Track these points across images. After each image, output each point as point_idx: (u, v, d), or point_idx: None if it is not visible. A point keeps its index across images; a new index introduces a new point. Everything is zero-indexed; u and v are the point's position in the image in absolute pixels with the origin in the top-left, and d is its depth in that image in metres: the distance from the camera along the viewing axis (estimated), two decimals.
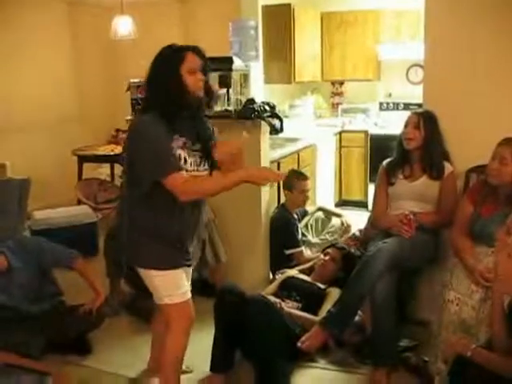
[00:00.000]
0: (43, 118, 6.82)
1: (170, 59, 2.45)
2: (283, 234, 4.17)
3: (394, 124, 6.26)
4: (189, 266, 2.69)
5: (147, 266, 2.55)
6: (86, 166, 6.54)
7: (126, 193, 2.57)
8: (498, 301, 2.41)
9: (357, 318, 3.27)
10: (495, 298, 2.46)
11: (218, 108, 3.94)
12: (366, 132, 6.64)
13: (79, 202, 6.17)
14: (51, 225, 4.96)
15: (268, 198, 4.20)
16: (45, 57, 6.95)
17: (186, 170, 2.42)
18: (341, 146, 6.76)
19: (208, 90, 2.56)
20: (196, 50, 2.48)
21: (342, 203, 6.76)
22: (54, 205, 5.83)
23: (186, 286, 2.65)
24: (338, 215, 4.60)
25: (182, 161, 2.42)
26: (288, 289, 3.55)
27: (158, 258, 2.54)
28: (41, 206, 5.62)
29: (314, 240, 4.44)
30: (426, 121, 3.35)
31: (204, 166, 2.55)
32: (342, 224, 4.45)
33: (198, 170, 2.51)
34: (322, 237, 4.44)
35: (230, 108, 4.03)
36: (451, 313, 2.78)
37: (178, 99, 2.42)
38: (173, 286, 2.56)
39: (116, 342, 3.58)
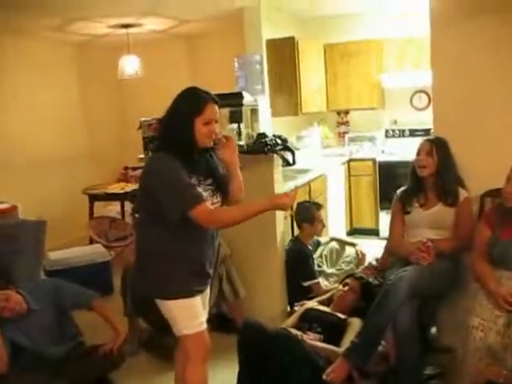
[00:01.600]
0: (53, 157, 6.91)
1: (189, 106, 2.52)
2: (299, 266, 4.18)
3: (400, 151, 6.33)
4: (204, 290, 2.73)
5: (167, 297, 2.58)
6: (96, 204, 6.59)
7: (143, 228, 2.67)
8: None
9: (380, 347, 3.24)
10: None
11: None
12: (373, 160, 6.68)
13: (91, 241, 6.20)
14: (66, 265, 4.98)
15: (283, 230, 4.22)
16: (55, 97, 7.09)
17: None
18: (349, 175, 6.79)
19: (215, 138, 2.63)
20: (216, 101, 2.56)
21: (354, 232, 6.75)
22: (66, 244, 5.86)
23: (203, 315, 2.69)
24: (353, 244, 4.61)
25: None
26: (309, 321, 3.52)
27: (177, 286, 2.58)
28: (52, 245, 5.62)
29: (330, 270, 4.45)
30: (438, 147, 3.37)
31: (217, 198, 2.64)
32: (357, 253, 4.46)
33: (213, 203, 2.59)
34: (338, 267, 4.45)
35: (242, 143, 4.07)
36: (477, 339, 2.76)
37: (187, 145, 2.51)
38: (191, 315, 2.60)
39: (137, 381, 3.56)
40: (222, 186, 2.67)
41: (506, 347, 2.67)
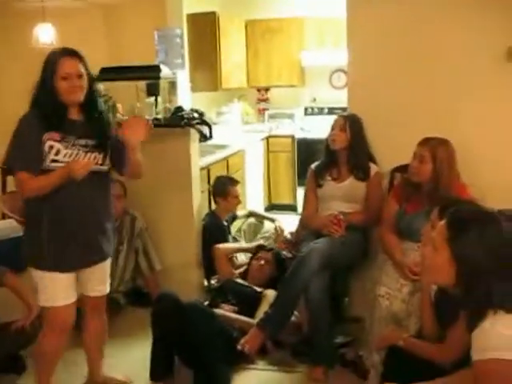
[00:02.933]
0: None
1: (46, 65, 2.58)
2: (216, 241, 4.18)
3: (319, 128, 6.42)
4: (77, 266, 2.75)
5: (30, 264, 2.71)
6: (9, 179, 6.33)
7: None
8: (426, 292, 2.54)
9: (293, 318, 3.34)
10: (424, 289, 2.59)
11: (146, 116, 3.92)
12: (292, 137, 6.77)
13: (3, 216, 5.97)
14: None
15: (199, 203, 4.22)
16: None
17: (56, 161, 2.55)
18: (268, 151, 6.86)
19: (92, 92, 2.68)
20: (73, 54, 2.59)
21: (272, 207, 6.84)
22: None
23: (68, 290, 2.72)
24: (272, 220, 4.65)
25: (54, 151, 2.54)
26: (225, 293, 3.57)
27: (39, 255, 2.64)
28: None
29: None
30: (351, 123, 3.47)
31: (92, 158, 2.64)
32: (276, 229, 4.49)
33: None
34: (256, 242, 4.48)
35: (159, 116, 4.02)
36: (382, 308, 2.88)
37: (49, 103, 2.57)
38: (48, 290, 2.69)
39: None
40: (104, 149, 2.67)
41: (409, 314, 2.80)
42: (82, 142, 2.61)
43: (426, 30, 3.51)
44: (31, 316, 3.30)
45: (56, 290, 2.67)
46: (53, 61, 2.56)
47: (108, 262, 2.89)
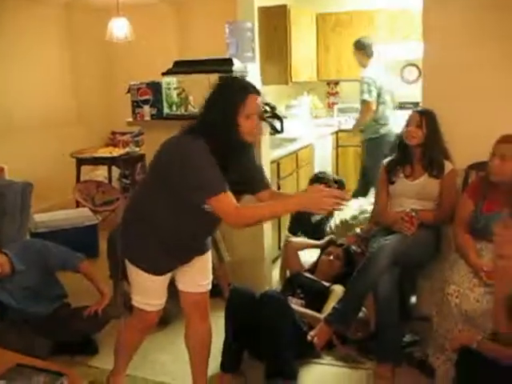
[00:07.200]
0: (40, 120, 6.83)
1: (230, 99, 2.30)
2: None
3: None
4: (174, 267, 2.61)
5: (131, 261, 2.53)
6: (83, 168, 6.57)
7: (146, 190, 2.53)
8: (501, 294, 2.47)
9: (361, 314, 3.32)
10: (498, 291, 2.52)
11: None
12: (361, 131, 6.68)
13: (77, 205, 6.20)
14: (52, 227, 4.98)
15: None
16: (42, 59, 6.96)
17: None
18: (337, 146, 6.82)
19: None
20: (258, 92, 2.36)
21: None
22: (53, 207, 5.86)
23: (161, 297, 2.62)
24: None
25: None
26: (293, 286, 3.59)
27: (145, 257, 2.51)
28: (39, 208, 5.63)
29: None
30: (427, 119, 3.39)
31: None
32: None
33: None
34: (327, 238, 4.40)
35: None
36: (451, 306, 2.82)
37: (227, 140, 2.30)
38: (144, 292, 2.58)
39: None
40: (246, 184, 2.47)
41: (485, 313, 2.71)
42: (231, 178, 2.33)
43: (507, 20, 3.39)
44: (104, 302, 3.44)
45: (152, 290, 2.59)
46: (239, 93, 2.30)
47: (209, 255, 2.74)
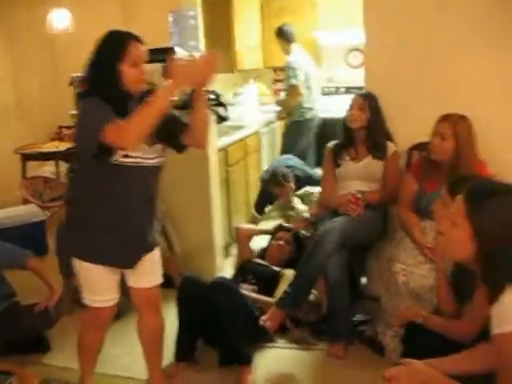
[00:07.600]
0: None
1: (110, 49, 2.30)
2: None
3: (336, 108, 6.39)
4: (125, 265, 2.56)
5: (75, 254, 2.49)
6: (29, 164, 6.41)
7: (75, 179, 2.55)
8: (442, 269, 2.55)
9: (312, 297, 3.36)
10: (439, 266, 2.60)
11: None
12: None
13: (24, 201, 6.05)
14: None
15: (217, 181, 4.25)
16: None
17: (127, 156, 2.30)
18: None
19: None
20: (139, 39, 2.34)
21: None
22: None
23: (111, 292, 2.58)
24: None
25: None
26: (245, 273, 3.61)
27: (87, 246, 2.45)
28: None
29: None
30: (370, 102, 3.46)
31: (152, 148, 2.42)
32: None
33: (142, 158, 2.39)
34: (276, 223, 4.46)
35: (176, 98, 4.02)
36: (398, 284, 2.90)
37: (115, 92, 2.29)
38: (92, 288, 2.52)
39: (73, 339, 3.53)
40: (160, 132, 2.38)
41: (431, 289, 2.79)
42: None
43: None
44: (54, 297, 3.38)
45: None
46: (120, 43, 2.28)
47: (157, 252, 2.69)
